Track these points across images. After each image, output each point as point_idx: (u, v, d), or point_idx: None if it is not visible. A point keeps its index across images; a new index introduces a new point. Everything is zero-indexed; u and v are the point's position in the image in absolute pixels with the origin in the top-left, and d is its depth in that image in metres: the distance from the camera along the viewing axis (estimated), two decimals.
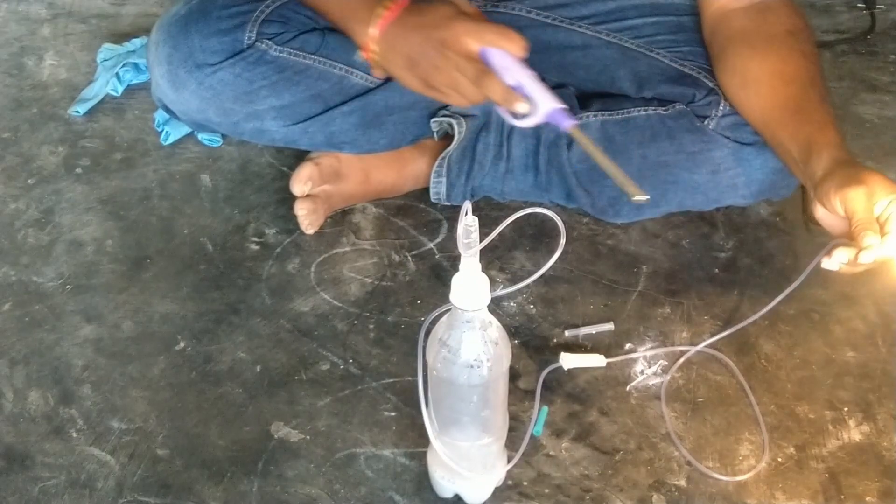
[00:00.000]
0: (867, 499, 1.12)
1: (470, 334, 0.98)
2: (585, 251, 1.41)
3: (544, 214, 0.97)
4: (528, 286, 1.32)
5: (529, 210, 0.96)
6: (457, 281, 0.95)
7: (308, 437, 1.16)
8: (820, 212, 1.17)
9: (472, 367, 0.98)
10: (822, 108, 1.22)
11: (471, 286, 0.95)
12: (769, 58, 1.28)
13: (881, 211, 1.08)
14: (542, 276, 1.32)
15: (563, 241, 0.97)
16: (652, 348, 1.27)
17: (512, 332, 1.28)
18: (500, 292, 1.06)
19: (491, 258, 1.37)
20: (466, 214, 0.92)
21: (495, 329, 0.99)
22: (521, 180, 1.41)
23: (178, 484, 1.11)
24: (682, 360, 1.25)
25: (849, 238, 1.10)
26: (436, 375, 1.01)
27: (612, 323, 1.29)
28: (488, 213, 1.43)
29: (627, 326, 1.30)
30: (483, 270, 0.94)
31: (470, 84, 1.16)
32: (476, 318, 0.97)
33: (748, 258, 1.41)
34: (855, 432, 1.20)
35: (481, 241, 0.93)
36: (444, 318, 0.99)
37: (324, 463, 1.14)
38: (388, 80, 1.38)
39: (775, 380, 1.25)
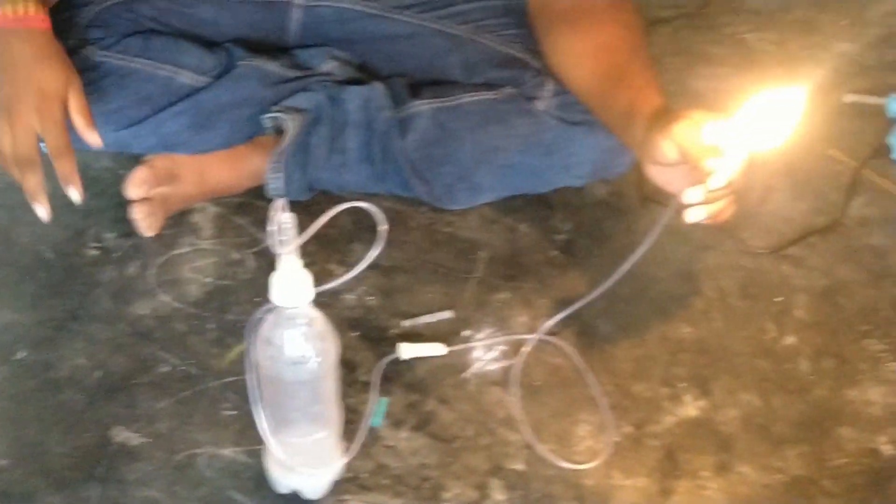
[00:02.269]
0: (703, 473, 1.15)
1: (294, 331, 0.98)
2: (424, 239, 1.41)
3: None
4: (367, 277, 1.32)
5: (348, 204, 0.97)
6: (276, 279, 0.95)
7: (148, 439, 1.15)
8: (653, 171, 1.17)
9: (298, 363, 0.99)
10: (643, 74, 1.24)
11: (291, 283, 0.95)
12: (591, 31, 1.30)
13: (710, 138, 1.08)
14: (380, 267, 1.34)
15: (383, 231, 0.98)
16: (491, 334, 1.28)
17: (351, 324, 1.28)
18: (322, 288, 1.07)
19: (330, 251, 1.37)
20: (280, 212, 0.92)
21: (321, 324, 1.00)
22: (358, 172, 1.41)
23: (18, 493, 1.10)
24: (525, 347, 1.26)
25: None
26: (264, 373, 1.01)
27: (450, 311, 1.30)
28: (325, 207, 1.41)
29: (466, 313, 1.31)
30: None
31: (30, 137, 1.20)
32: (299, 315, 0.98)
33: (586, 239, 1.43)
34: (691, 408, 1.23)
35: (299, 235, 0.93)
36: (269, 316, 0.99)
37: (164, 465, 1.13)
38: (218, 78, 1.39)
39: (612, 359, 1.27)
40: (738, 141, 1.06)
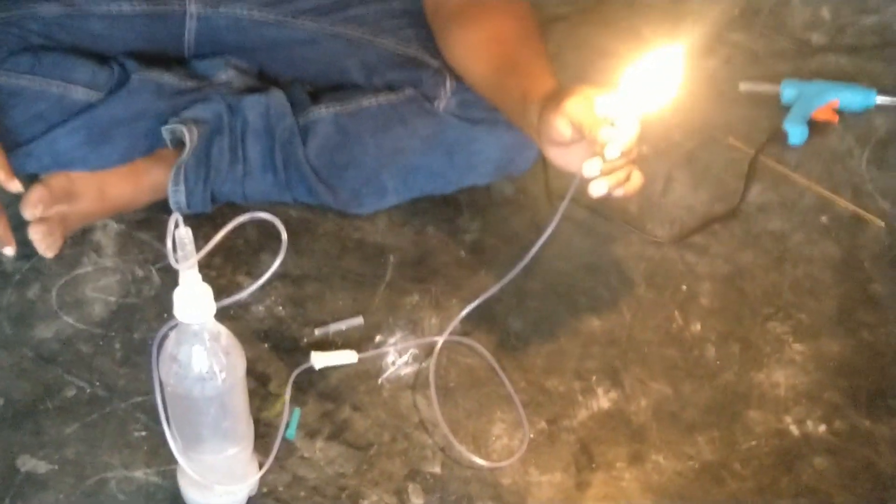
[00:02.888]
0: (617, 465, 1.17)
1: (199, 347, 0.96)
2: (332, 246, 1.40)
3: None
4: (276, 287, 1.32)
5: (246, 216, 0.95)
6: (178, 295, 0.94)
7: (56, 466, 1.13)
8: (553, 153, 1.18)
9: (205, 379, 0.97)
10: (536, 61, 1.26)
11: (192, 299, 0.94)
12: (485, 24, 1.32)
13: (602, 111, 1.09)
14: (289, 276, 1.33)
15: (285, 241, 0.97)
16: (402, 338, 1.28)
17: (261, 335, 1.27)
18: (227, 301, 1.06)
19: (237, 263, 1.35)
20: (177, 227, 0.91)
21: (225, 338, 0.98)
22: (261, 181, 1.40)
23: None
24: (437, 348, 1.26)
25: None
26: (171, 391, 0.99)
27: (361, 317, 1.30)
28: (231, 219, 1.40)
29: (377, 319, 1.31)
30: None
31: None
32: (203, 330, 0.96)
33: (493, 237, 1.44)
34: (604, 400, 1.24)
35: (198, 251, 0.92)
36: (173, 333, 0.98)
37: (74, 492, 1.10)
38: (112, 92, 1.36)
39: (525, 356, 1.28)
40: (628, 108, 1.08)
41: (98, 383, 1.22)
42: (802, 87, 1.69)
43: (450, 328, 1.27)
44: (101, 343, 1.27)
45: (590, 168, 1.10)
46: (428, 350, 1.27)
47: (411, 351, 1.27)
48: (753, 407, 1.23)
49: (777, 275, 1.41)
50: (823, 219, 1.50)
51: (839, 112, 1.67)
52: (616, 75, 1.10)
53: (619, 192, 1.14)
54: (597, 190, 1.12)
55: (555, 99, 1.13)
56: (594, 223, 1.45)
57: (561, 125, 1.12)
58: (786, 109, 1.66)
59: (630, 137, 1.08)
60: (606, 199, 1.14)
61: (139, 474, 1.12)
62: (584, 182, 1.12)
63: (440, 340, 1.27)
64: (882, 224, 1.48)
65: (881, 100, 1.68)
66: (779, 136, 1.62)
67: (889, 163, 1.60)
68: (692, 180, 1.55)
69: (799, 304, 1.36)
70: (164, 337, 0.98)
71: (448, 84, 1.38)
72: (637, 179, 1.15)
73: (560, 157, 1.18)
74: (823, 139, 1.64)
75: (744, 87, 1.73)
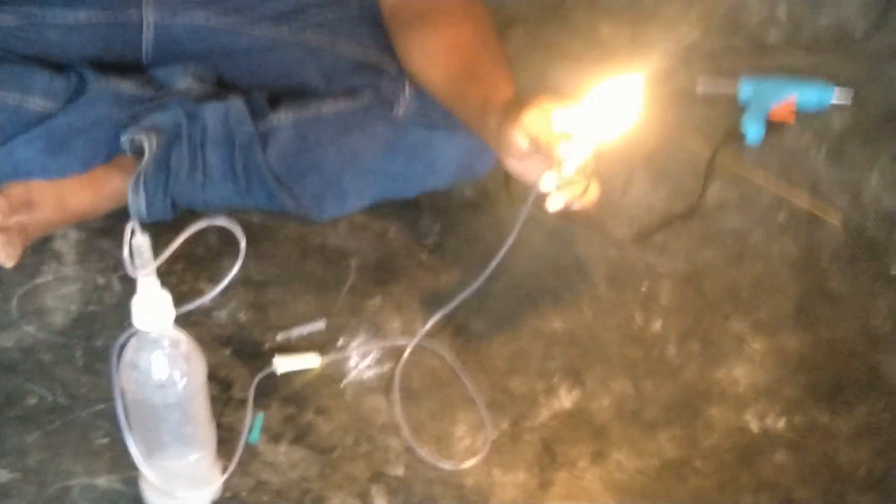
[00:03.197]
0: (580, 464, 1.18)
1: (158, 354, 0.97)
2: (294, 251, 1.41)
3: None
4: (237, 293, 1.32)
5: (204, 223, 0.95)
6: (136, 302, 0.94)
7: (18, 475, 1.12)
8: (512, 164, 1.19)
9: (164, 386, 0.97)
10: (496, 69, 1.27)
11: (150, 306, 0.94)
12: (444, 31, 1.32)
13: (560, 125, 1.10)
14: (251, 282, 1.33)
15: (243, 247, 0.97)
16: (365, 342, 1.29)
17: (224, 341, 1.27)
18: (186, 307, 1.06)
19: (199, 270, 1.35)
20: (133, 235, 0.91)
21: (185, 344, 0.98)
22: (222, 188, 1.39)
23: None
24: (406, 353, 1.26)
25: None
26: (132, 398, 0.99)
27: (323, 321, 1.30)
28: (192, 225, 1.40)
29: (340, 322, 1.31)
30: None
31: None
32: (163, 337, 0.96)
33: (455, 240, 1.44)
34: (566, 400, 1.25)
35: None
36: (132, 340, 0.98)
37: (36, 500, 1.10)
38: (70, 101, 1.35)
39: (487, 357, 1.29)
40: (587, 126, 1.09)
41: (60, 391, 1.21)
42: (759, 84, 1.70)
43: (420, 333, 1.27)
44: (62, 351, 1.26)
45: (546, 183, 1.11)
46: (391, 353, 1.27)
47: (374, 354, 1.27)
48: (714, 404, 1.25)
49: (736, 273, 1.42)
50: (781, 217, 1.51)
51: (796, 110, 1.69)
52: (576, 82, 1.11)
53: (576, 206, 1.15)
54: (553, 205, 1.13)
55: (513, 110, 1.14)
56: (555, 224, 1.45)
57: (518, 138, 1.13)
58: (743, 108, 1.67)
59: (587, 154, 1.09)
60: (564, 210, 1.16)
61: (102, 481, 1.12)
62: (542, 195, 1.13)
63: (408, 344, 1.27)
64: (838, 222, 1.50)
65: (837, 98, 1.70)
66: (736, 135, 1.63)
67: (845, 161, 1.62)
68: (651, 180, 1.56)
69: (758, 302, 1.38)
70: (125, 344, 0.98)
71: (407, 89, 1.39)
72: (593, 192, 1.16)
73: (518, 168, 1.19)
74: (781, 137, 1.65)
75: (702, 85, 1.74)
